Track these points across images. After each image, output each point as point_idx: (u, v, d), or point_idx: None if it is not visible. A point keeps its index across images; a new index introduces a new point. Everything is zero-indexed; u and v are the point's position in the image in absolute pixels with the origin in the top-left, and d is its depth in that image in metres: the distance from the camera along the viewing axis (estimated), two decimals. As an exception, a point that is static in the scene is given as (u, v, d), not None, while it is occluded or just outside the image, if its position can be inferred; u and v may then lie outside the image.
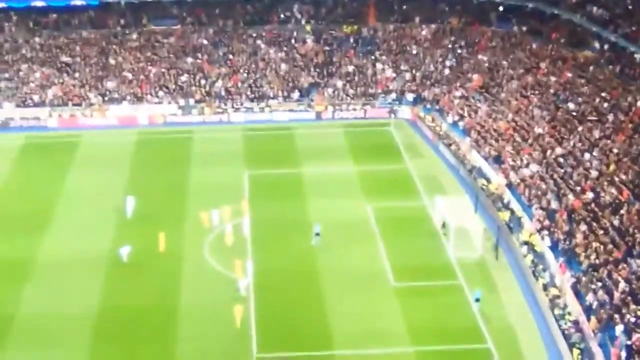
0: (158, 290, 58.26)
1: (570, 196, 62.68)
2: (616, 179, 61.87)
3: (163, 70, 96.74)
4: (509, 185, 69.16)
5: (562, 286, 55.47)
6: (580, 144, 69.15)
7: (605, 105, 73.25)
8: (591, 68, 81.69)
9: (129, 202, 69.52)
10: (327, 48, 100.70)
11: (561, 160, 68.39)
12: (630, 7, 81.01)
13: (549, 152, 70.35)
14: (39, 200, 72.12)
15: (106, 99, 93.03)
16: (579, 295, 53.16)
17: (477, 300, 55.66)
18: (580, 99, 76.42)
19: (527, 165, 70.13)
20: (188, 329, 53.81)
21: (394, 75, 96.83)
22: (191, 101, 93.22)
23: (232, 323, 53.89)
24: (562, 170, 66.80)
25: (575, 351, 49.66)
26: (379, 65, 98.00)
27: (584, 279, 53.90)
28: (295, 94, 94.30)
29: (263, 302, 56.61)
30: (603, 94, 75.12)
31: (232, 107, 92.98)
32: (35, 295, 57.82)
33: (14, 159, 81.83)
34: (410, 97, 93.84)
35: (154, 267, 61.25)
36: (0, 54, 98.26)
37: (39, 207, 70.83)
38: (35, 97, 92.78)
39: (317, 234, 64.62)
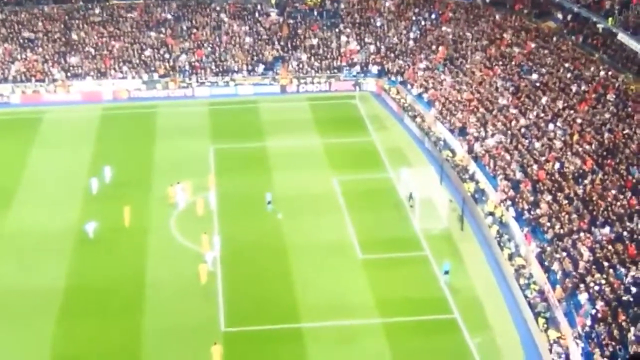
0: (125, 266, 58.21)
1: (535, 166, 63.08)
2: (580, 149, 62.28)
3: (126, 45, 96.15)
4: (474, 157, 69.43)
5: (527, 256, 55.93)
6: (543, 115, 69.53)
7: (569, 75, 73.61)
8: (554, 39, 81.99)
9: (107, 171, 69.58)
10: (291, 21, 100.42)
11: (525, 131, 68.75)
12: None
13: (513, 122, 70.68)
14: (2, 177, 71.69)
15: (69, 74, 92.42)
16: (544, 265, 53.60)
17: (446, 272, 55.97)
18: (543, 70, 76.74)
19: (491, 136, 70.43)
20: (156, 304, 53.85)
21: (358, 47, 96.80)
22: (155, 76, 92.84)
23: (200, 297, 54.01)
24: (527, 141, 67.16)
25: (541, 320, 50.15)
26: (343, 38, 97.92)
27: (548, 248, 54.34)
28: (260, 68, 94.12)
29: (230, 276, 56.74)
30: (566, 65, 75.48)
31: (197, 81, 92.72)
32: (0, 271, 57.62)
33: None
34: (374, 69, 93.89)
35: (120, 242, 61.22)
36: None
37: (3, 183, 70.46)
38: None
39: (269, 202, 65.11)
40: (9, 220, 64.43)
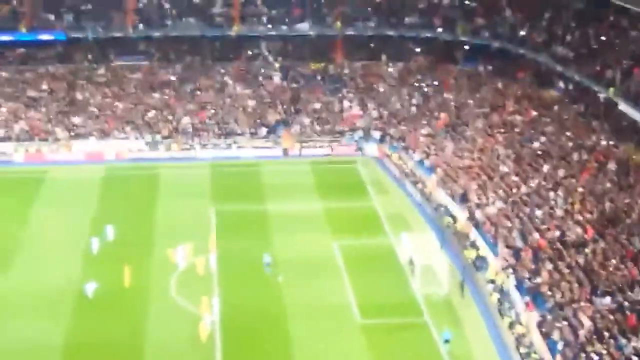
0: (124, 328, 57.79)
1: (536, 235, 63.04)
2: (580, 217, 62.31)
3: (130, 105, 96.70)
4: (475, 224, 69.45)
5: (528, 324, 55.69)
6: (545, 183, 69.67)
7: (570, 144, 73.91)
8: (556, 107, 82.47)
9: (109, 230, 69.71)
10: (294, 85, 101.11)
11: (526, 198, 68.86)
12: (594, 47, 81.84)
13: (514, 190, 70.83)
14: (3, 235, 71.60)
15: (73, 134, 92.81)
16: (544, 334, 53.37)
17: (447, 341, 55.55)
18: (545, 138, 77.07)
19: (492, 203, 70.52)
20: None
21: (361, 112, 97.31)
22: (158, 137, 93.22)
23: (198, 360, 53.93)
24: (528, 209, 67.23)
25: (541, 389, 49.91)
26: (345, 103, 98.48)
27: (549, 317, 54.15)
28: (263, 131, 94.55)
29: (229, 339, 56.35)
30: (568, 133, 75.84)
31: (199, 143, 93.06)
32: (-1, 332, 57.47)
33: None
34: (376, 134, 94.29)
35: (119, 304, 60.87)
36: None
37: (3, 241, 70.34)
38: (1, 132, 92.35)
39: (268, 264, 65.14)
40: (8, 280, 64.17)
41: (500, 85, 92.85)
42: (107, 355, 54.58)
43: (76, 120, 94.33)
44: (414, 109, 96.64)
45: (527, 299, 57.11)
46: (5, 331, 57.33)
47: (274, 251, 67.84)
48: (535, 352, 53.17)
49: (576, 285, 55.26)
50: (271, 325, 58.37)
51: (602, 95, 77.45)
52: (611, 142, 71.19)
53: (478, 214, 70.21)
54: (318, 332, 57.41)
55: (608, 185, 64.97)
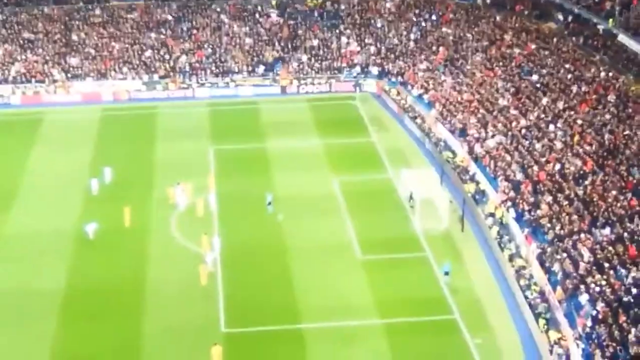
0: (125, 267, 58.08)
1: (535, 167, 63.00)
2: (580, 150, 62.22)
3: (126, 46, 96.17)
4: (474, 158, 69.38)
5: (527, 257, 55.88)
6: (544, 116, 69.48)
7: (569, 76, 73.59)
8: (555, 40, 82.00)
9: (107, 172, 69.75)
10: (291, 22, 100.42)
11: (525, 131, 68.71)
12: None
13: (513, 124, 70.64)
14: (2, 177, 71.67)
15: (69, 75, 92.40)
16: (544, 266, 53.54)
17: (446, 273, 55.82)
18: (544, 71, 76.73)
19: (492, 137, 70.37)
20: (156, 305, 53.69)
21: (359, 48, 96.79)
22: (155, 77, 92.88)
23: (200, 299, 54.02)
24: (527, 142, 67.11)
25: (541, 321, 50.06)
26: (343, 39, 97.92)
27: (549, 249, 54.27)
28: (260, 69, 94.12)
29: (230, 277, 56.63)
30: (567, 66, 75.47)
31: (197, 82, 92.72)
32: (0, 273, 57.51)
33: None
34: (375, 70, 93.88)
35: (120, 244, 61.08)
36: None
37: (3, 184, 70.43)
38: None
39: (270, 203, 65.28)
40: (9, 222, 64.36)
41: (498, 18, 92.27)
42: (108, 296, 54.77)
43: (73, 61, 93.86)
44: (412, 44, 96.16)
45: (527, 231, 57.25)
46: (6, 273, 57.50)
47: (274, 189, 67.90)
48: (535, 284, 53.41)
49: (575, 217, 55.32)
50: (272, 262, 58.59)
51: (601, 27, 77.10)
52: (610, 74, 70.84)
53: (477, 148, 70.13)
54: (319, 269, 57.65)
55: (607, 117, 64.79)
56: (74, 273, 57.30)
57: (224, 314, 52.76)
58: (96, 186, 68.22)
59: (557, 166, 61.75)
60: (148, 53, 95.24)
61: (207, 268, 56.59)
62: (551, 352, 47.81)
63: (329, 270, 57.54)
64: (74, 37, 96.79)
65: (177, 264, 58.27)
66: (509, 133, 69.66)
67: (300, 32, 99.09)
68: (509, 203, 61.03)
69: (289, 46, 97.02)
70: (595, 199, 55.92)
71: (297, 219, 63.81)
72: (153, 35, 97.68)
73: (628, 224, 52.22)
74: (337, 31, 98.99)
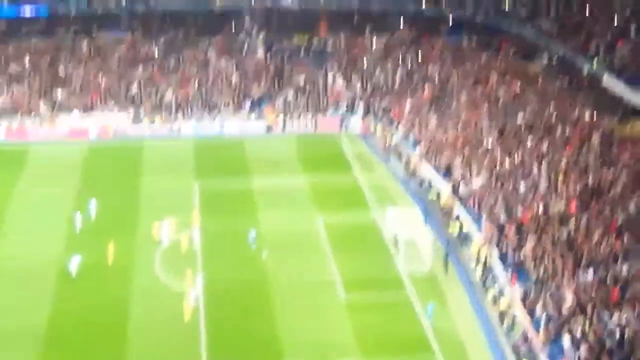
0: (108, 304, 57.65)
1: (519, 208, 63.10)
2: (564, 191, 62.39)
3: (113, 80, 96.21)
4: (459, 198, 69.47)
5: (511, 298, 55.81)
6: (528, 157, 69.68)
7: (554, 117, 73.94)
8: (540, 80, 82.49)
9: (92, 205, 69.67)
10: (278, 59, 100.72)
11: (510, 172, 68.87)
12: (578, 20, 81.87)
13: (498, 164, 70.81)
14: (-14, 212, 71.49)
15: (56, 109, 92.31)
16: (528, 308, 53.50)
17: (429, 315, 55.69)
18: (528, 111, 77.04)
19: (477, 177, 70.51)
20: (139, 342, 53.27)
21: (345, 86, 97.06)
22: (142, 112, 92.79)
23: (184, 336, 53.81)
24: (511, 183, 67.25)
25: (524, 363, 50.09)
26: (330, 77, 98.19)
27: (533, 291, 54.26)
28: (246, 105, 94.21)
29: (213, 314, 56.40)
30: (551, 107, 75.85)
31: (183, 117, 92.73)
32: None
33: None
34: (361, 108, 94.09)
35: (103, 279, 60.73)
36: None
37: (-14, 218, 70.25)
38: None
39: (253, 239, 65.44)
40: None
41: (484, 58, 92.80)
42: (90, 333, 54.39)
43: (59, 95, 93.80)
44: (398, 82, 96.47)
45: (511, 272, 57.23)
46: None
47: (258, 226, 67.83)
48: (518, 326, 53.32)
49: (560, 259, 55.37)
50: (255, 301, 58.37)
51: (585, 68, 77.64)
52: (595, 115, 71.22)
53: (462, 188, 70.20)
54: (302, 308, 57.44)
55: (591, 158, 65.08)
56: (55, 310, 56.80)
57: (207, 351, 52.48)
58: (80, 221, 68.01)
59: (542, 207, 61.88)
60: (134, 88, 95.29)
61: (191, 304, 56.42)
62: (534, 395, 47.80)
63: (312, 309, 57.36)
64: (61, 71, 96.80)
65: (161, 301, 57.95)
66: (494, 173, 69.80)
67: (286, 69, 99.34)
68: (493, 244, 61.07)
69: (276, 83, 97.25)
70: (579, 241, 56.05)
71: (281, 257, 63.68)
72: (140, 70, 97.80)
73: (612, 266, 52.33)
74: (324, 69, 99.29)
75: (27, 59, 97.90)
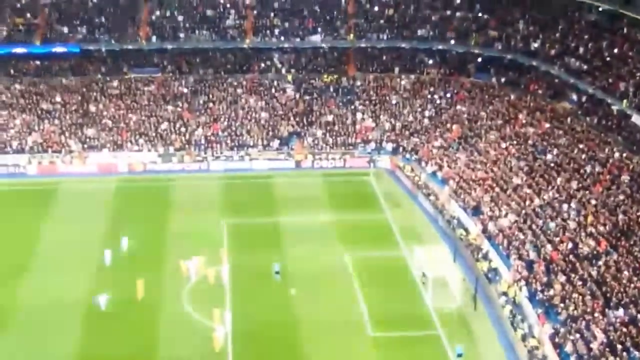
0: (136, 340, 57.81)
1: (549, 247, 62.92)
2: (594, 230, 62.16)
3: (143, 118, 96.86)
4: (488, 236, 69.32)
5: (540, 337, 55.53)
6: (558, 195, 69.53)
7: (583, 156, 73.78)
8: (569, 119, 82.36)
9: (124, 242, 70.23)
10: (307, 97, 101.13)
11: (539, 210, 68.73)
12: (607, 59, 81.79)
13: (527, 202, 70.66)
14: (16, 248, 71.72)
15: (86, 146, 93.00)
16: (557, 347, 53.21)
17: (459, 355, 55.31)
18: (557, 150, 76.95)
19: (505, 216, 70.36)
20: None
21: (374, 125, 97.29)
22: (171, 149, 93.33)
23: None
24: (540, 221, 67.08)
25: (554, 402, 49.73)
26: (358, 115, 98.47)
27: (562, 330, 53.99)
28: (275, 143, 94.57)
29: (241, 352, 56.37)
30: (581, 146, 75.71)
31: (212, 155, 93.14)
32: (11, 345, 57.21)
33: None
34: (389, 146, 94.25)
35: (132, 316, 60.90)
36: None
37: (17, 254, 70.45)
38: (15, 144, 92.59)
39: (277, 272, 65.70)
40: (20, 293, 64.21)
41: (513, 97, 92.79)
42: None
43: (89, 132, 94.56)
44: (426, 121, 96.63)
45: (540, 311, 57.00)
46: (16, 345, 57.27)
47: (286, 263, 67.95)
48: (548, 365, 53.08)
49: (589, 297, 55.14)
50: (283, 338, 58.30)
51: (615, 108, 77.49)
52: (624, 155, 71.02)
53: (491, 226, 70.07)
54: (330, 346, 57.31)
55: (621, 197, 64.86)
56: (84, 347, 57.04)
57: (234, 389, 52.58)
58: (109, 257, 68.28)
59: (571, 246, 61.66)
60: (164, 125, 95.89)
61: (220, 341, 56.43)
62: None
63: (340, 347, 57.21)
64: (92, 109, 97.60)
65: (189, 339, 58.02)
66: (523, 212, 69.66)
67: (315, 107, 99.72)
68: (522, 282, 60.85)
69: (304, 121, 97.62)
70: (608, 280, 55.78)
71: (309, 294, 63.67)
72: (170, 107, 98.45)
73: (642, 306, 52.09)
74: (352, 107, 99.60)
75: (57, 96, 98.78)
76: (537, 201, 70.17)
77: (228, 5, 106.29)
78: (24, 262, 68.97)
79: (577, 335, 52.61)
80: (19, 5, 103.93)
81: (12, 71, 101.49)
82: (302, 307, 61.99)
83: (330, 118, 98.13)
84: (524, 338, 56.27)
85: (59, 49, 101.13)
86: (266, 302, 63.00)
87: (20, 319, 60.48)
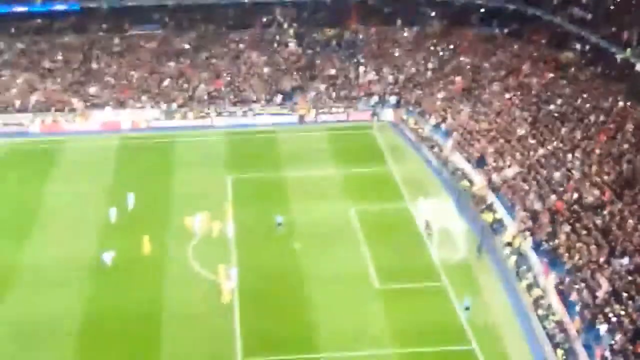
0: (142, 295, 58.06)
1: (553, 197, 62.89)
2: (598, 179, 62.09)
3: (145, 75, 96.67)
4: (492, 187, 69.30)
5: (545, 287, 55.66)
6: (562, 145, 69.40)
7: (587, 106, 73.57)
8: (572, 69, 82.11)
9: (130, 198, 70.32)
10: (309, 51, 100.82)
11: (543, 161, 68.65)
12: (610, 8, 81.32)
13: (531, 153, 70.58)
14: (21, 206, 71.84)
15: (89, 104, 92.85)
16: (562, 296, 53.35)
17: (467, 308, 55.36)
18: (561, 100, 76.71)
19: (509, 167, 70.31)
20: (173, 334, 53.68)
21: (376, 78, 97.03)
22: (174, 106, 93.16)
23: (218, 328, 54.04)
24: (545, 171, 67.03)
25: (560, 351, 49.85)
26: (361, 69, 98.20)
27: (567, 279, 54.09)
28: (278, 98, 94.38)
29: (247, 306, 56.55)
30: (584, 95, 75.49)
31: (215, 111, 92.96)
32: (18, 301, 57.54)
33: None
34: (392, 99, 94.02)
35: (138, 272, 61.08)
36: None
37: (22, 212, 70.60)
38: (17, 103, 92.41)
39: (280, 224, 66.05)
40: (26, 250, 64.40)
41: (516, 47, 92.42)
42: (126, 324, 54.79)
43: (92, 90, 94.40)
44: (429, 73, 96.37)
45: (545, 261, 57.07)
46: (23, 302, 57.56)
47: (291, 218, 68.04)
48: (553, 314, 53.17)
49: (594, 246, 55.14)
50: (289, 292, 58.49)
51: (619, 57, 77.12)
52: (628, 104, 70.80)
53: (495, 177, 70.05)
54: (336, 298, 57.49)
55: (625, 146, 64.70)
56: (90, 301, 57.35)
57: (242, 343, 52.70)
58: (114, 215, 68.39)
59: (575, 196, 61.62)
60: (166, 82, 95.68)
61: (226, 295, 56.76)
62: (569, 382, 47.67)
63: (347, 300, 57.40)
64: (94, 66, 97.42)
65: (194, 293, 58.25)
66: (527, 162, 69.60)
67: (318, 61, 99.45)
68: (527, 233, 60.90)
69: (307, 75, 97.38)
70: (613, 229, 55.77)
71: (315, 248, 63.78)
72: (172, 64, 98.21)
73: (646, 254, 52.12)
74: (355, 61, 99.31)
75: (59, 55, 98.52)
76: (541, 151, 70.09)
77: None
78: (28, 221, 69.05)
79: (582, 285, 52.70)
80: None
81: (13, 30, 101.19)
82: (308, 261, 62.12)
83: (333, 72, 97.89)
84: (529, 288, 56.41)
85: (60, 7, 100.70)
86: (272, 256, 63.12)
87: (26, 278, 60.57)
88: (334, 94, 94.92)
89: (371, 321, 54.89)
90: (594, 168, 63.72)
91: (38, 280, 60.13)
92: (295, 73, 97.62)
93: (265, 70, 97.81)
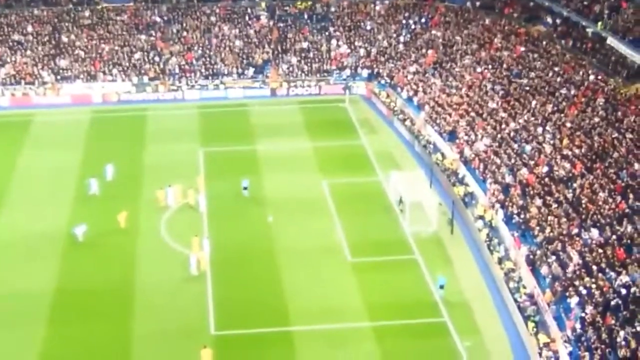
0: (114, 269, 58.02)
1: (524, 170, 63.17)
2: (569, 152, 62.39)
3: (116, 48, 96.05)
4: (464, 160, 69.51)
5: (516, 260, 55.99)
6: (533, 119, 69.65)
7: (558, 79, 73.81)
8: (544, 43, 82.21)
9: (109, 169, 70.21)
10: (281, 24, 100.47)
11: (514, 134, 68.88)
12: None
13: (502, 126, 70.79)
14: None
15: (59, 77, 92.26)
16: (533, 269, 53.69)
17: (441, 287, 55.48)
18: (533, 74, 76.92)
19: (481, 140, 70.50)
20: (145, 307, 53.70)
21: (348, 51, 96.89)
22: (145, 79, 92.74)
23: (190, 301, 54.09)
24: (516, 145, 67.27)
25: (531, 324, 50.23)
26: (333, 42, 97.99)
27: (538, 252, 54.42)
28: (250, 71, 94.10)
29: (220, 279, 56.65)
30: (556, 69, 75.74)
31: (187, 84, 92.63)
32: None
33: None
34: (364, 73, 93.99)
35: (110, 245, 61.03)
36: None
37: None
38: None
39: (245, 188, 66.59)
40: (-2, 224, 64.35)
41: (487, 21, 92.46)
42: (97, 298, 54.73)
43: (62, 63, 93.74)
44: (401, 46, 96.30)
45: (516, 234, 57.38)
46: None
47: (263, 191, 68.15)
48: (524, 287, 53.54)
49: (565, 220, 55.49)
50: (262, 264, 58.59)
51: (590, 30, 77.38)
52: (599, 77, 71.10)
53: (467, 151, 70.24)
54: (309, 271, 57.70)
55: (596, 119, 65.02)
56: (63, 275, 57.25)
57: (214, 316, 52.78)
58: (96, 186, 67.99)
59: (546, 169, 61.92)
60: (137, 55, 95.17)
61: (198, 266, 56.84)
62: (540, 354, 47.99)
63: (319, 273, 57.62)
64: (64, 39, 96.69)
65: (167, 266, 58.27)
66: (498, 136, 69.81)
67: (290, 34, 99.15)
68: (498, 206, 61.19)
69: (279, 48, 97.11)
70: (584, 202, 56.10)
71: (287, 221, 63.87)
72: (143, 37, 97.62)
73: (617, 227, 52.40)
74: (327, 34, 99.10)
75: (29, 27, 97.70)
76: (512, 125, 70.31)
77: None
78: None
79: (553, 257, 53.05)
80: None
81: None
82: (280, 234, 62.24)
83: (305, 45, 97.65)
84: (500, 261, 56.73)
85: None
86: (244, 229, 63.19)
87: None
88: (306, 67, 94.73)
89: (343, 294, 55.09)
90: (565, 141, 64.04)
91: (8, 254, 59.96)
92: (267, 46, 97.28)
93: (237, 43, 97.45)
